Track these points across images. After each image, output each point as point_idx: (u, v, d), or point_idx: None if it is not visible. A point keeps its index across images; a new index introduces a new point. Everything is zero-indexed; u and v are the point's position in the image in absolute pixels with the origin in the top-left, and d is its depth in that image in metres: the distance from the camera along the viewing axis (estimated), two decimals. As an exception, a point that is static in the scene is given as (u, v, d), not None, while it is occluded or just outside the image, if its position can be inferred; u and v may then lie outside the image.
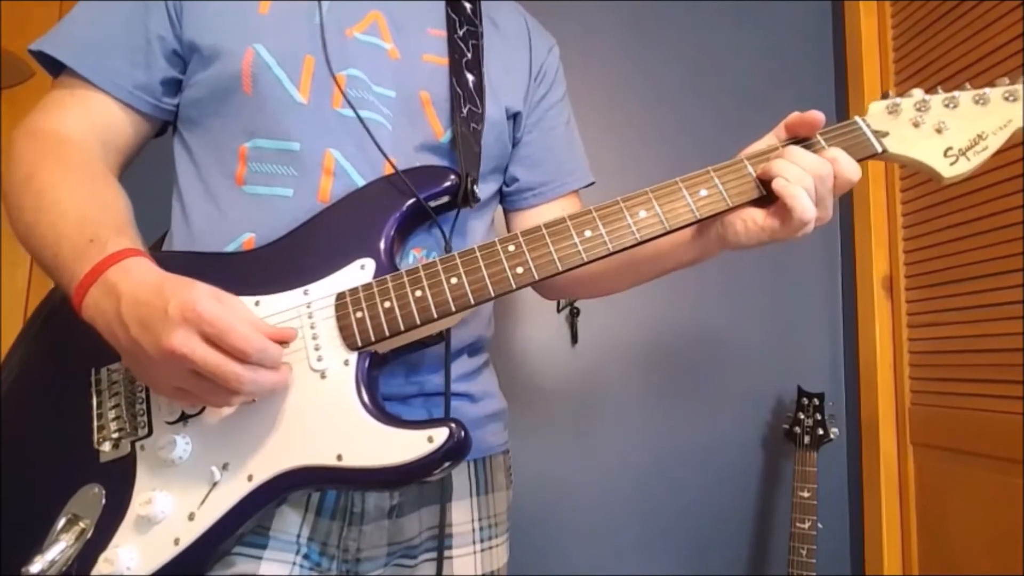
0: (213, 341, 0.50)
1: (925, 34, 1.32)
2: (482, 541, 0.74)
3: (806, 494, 1.26)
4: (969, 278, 1.20)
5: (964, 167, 0.61)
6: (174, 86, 0.70)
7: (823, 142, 0.62)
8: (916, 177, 1.34)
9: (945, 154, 0.61)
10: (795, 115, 0.63)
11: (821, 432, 1.29)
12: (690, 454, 1.44)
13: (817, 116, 0.62)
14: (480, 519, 0.74)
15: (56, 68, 0.68)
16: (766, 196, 0.61)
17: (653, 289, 1.46)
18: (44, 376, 0.65)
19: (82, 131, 0.66)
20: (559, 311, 1.47)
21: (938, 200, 1.28)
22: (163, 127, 0.74)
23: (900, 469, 1.34)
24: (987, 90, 0.62)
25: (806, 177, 0.59)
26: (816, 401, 1.32)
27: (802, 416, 1.32)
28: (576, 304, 1.46)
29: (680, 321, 1.48)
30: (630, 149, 1.50)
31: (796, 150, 0.60)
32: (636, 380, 1.47)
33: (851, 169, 0.60)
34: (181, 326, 0.49)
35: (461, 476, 0.73)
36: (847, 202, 1.50)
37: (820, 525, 1.24)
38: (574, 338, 1.47)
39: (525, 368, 1.46)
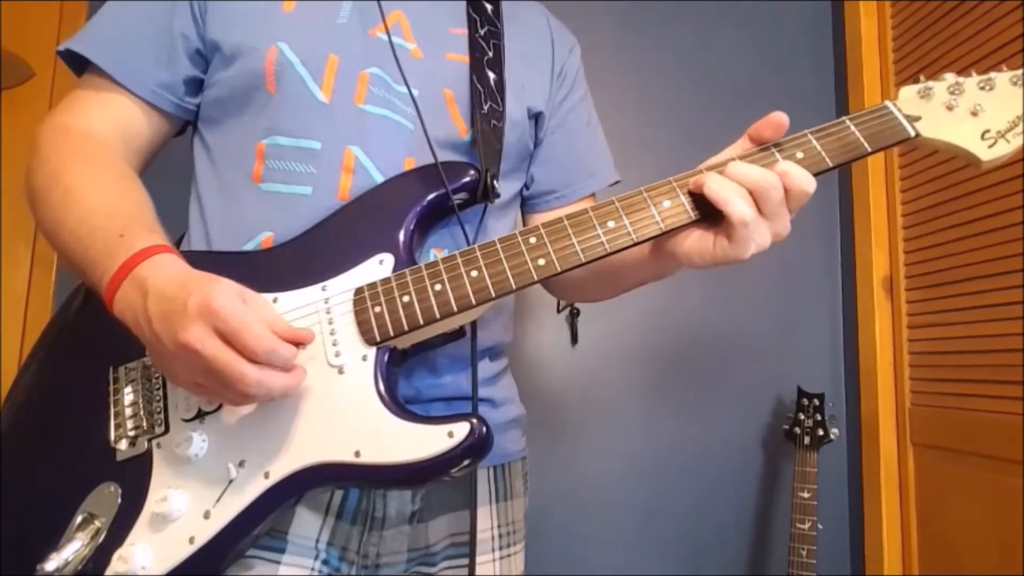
0: (226, 339, 0.50)
1: (925, 34, 1.32)
2: (501, 549, 0.73)
3: (806, 494, 1.26)
4: (969, 278, 1.21)
5: (1004, 149, 0.58)
6: (196, 85, 0.71)
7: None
8: (916, 177, 1.35)
9: (982, 137, 0.59)
10: (756, 123, 0.60)
11: (821, 432, 1.29)
12: (690, 454, 1.44)
13: (777, 118, 0.59)
14: (499, 526, 0.73)
15: (80, 67, 0.69)
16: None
17: (654, 290, 1.45)
18: (64, 376, 0.65)
19: (105, 129, 0.66)
20: (559, 311, 1.47)
21: (938, 200, 1.28)
22: (183, 126, 0.74)
23: (900, 469, 1.34)
24: None
25: (736, 186, 0.55)
26: (816, 401, 1.32)
27: (802, 416, 1.32)
28: (576, 305, 1.46)
29: (680, 321, 1.48)
30: (629, 150, 1.50)
31: (737, 164, 0.57)
32: (636, 380, 1.47)
33: (804, 180, 0.56)
34: (197, 321, 0.49)
35: (481, 482, 0.72)
36: (847, 202, 1.50)
37: (820, 525, 1.24)
38: (574, 338, 1.47)
39: (525, 368, 1.46)
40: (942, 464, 1.25)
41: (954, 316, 1.24)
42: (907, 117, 0.59)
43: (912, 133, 0.59)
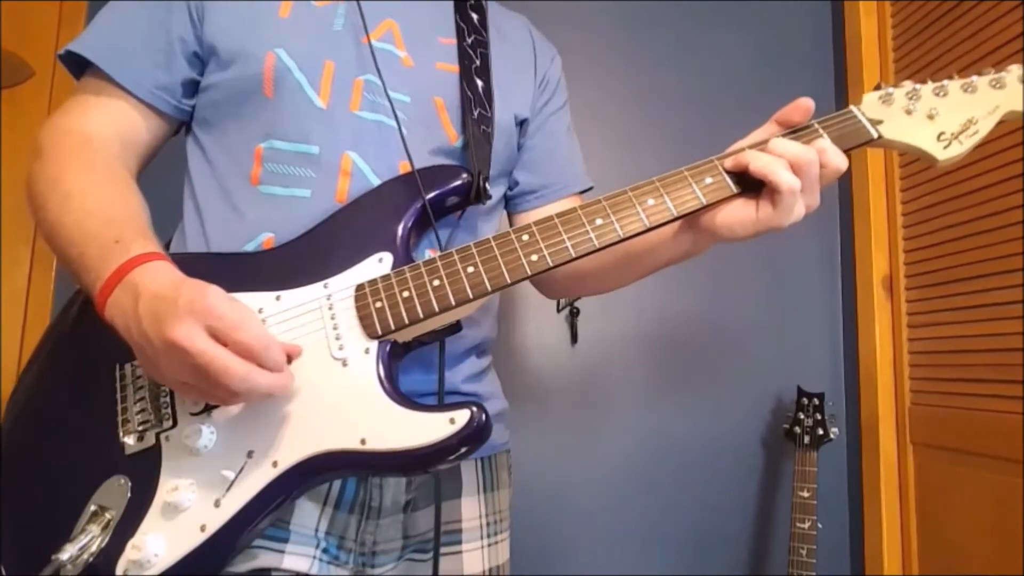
0: (219, 336, 0.51)
1: (925, 34, 1.33)
2: (489, 536, 0.76)
3: (806, 494, 1.26)
4: (969, 278, 1.21)
5: (957, 150, 0.64)
6: (193, 87, 0.72)
7: (821, 130, 0.64)
8: (916, 177, 1.35)
9: (938, 138, 0.64)
10: (784, 108, 0.65)
11: (821, 432, 1.29)
12: (690, 453, 1.44)
13: (805, 103, 0.64)
14: (487, 515, 0.76)
15: (78, 70, 0.70)
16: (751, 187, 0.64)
17: (653, 289, 1.46)
18: (70, 375, 0.66)
19: (104, 131, 0.68)
20: (559, 311, 1.47)
21: (938, 200, 1.28)
22: (179, 127, 0.76)
23: (900, 469, 1.34)
24: (975, 78, 0.65)
25: (779, 160, 0.60)
26: (816, 401, 1.32)
27: (802, 416, 1.32)
28: (576, 304, 1.46)
29: (680, 321, 1.48)
30: (629, 150, 1.50)
31: (778, 141, 0.62)
32: (636, 380, 1.46)
33: (838, 159, 0.62)
34: (187, 318, 0.50)
35: (469, 473, 0.75)
36: (847, 202, 1.50)
37: (820, 525, 1.24)
38: (574, 338, 1.47)
39: (525, 367, 1.46)
40: (942, 463, 1.25)
41: (954, 316, 1.24)
42: (870, 120, 0.65)
43: (875, 135, 0.64)
